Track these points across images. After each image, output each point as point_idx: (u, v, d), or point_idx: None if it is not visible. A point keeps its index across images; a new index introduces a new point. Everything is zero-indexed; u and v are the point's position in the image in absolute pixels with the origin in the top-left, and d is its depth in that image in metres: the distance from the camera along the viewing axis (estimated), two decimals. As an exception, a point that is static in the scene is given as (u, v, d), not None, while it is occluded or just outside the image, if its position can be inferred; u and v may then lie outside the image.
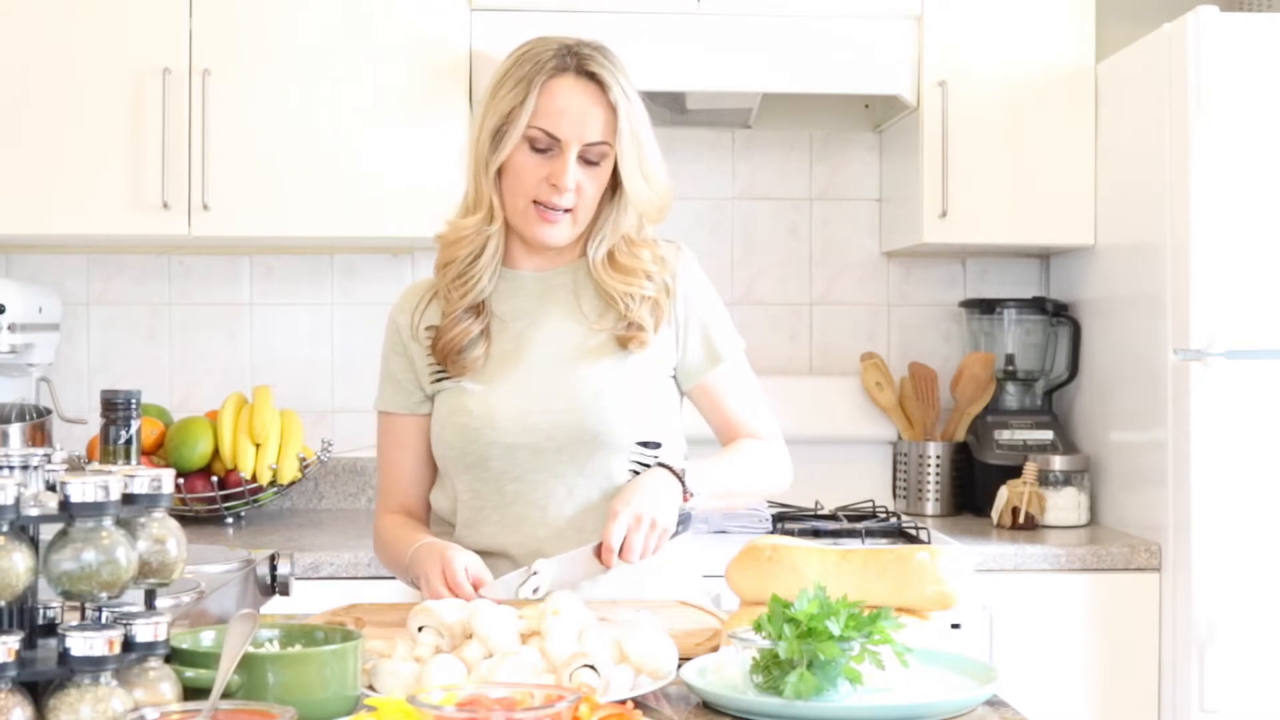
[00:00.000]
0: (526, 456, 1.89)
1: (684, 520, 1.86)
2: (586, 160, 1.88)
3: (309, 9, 3.15)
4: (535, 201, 1.89)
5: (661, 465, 1.88)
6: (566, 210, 1.89)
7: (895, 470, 3.51)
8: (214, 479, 3.17)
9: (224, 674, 1.16)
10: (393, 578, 2.80)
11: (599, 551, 1.78)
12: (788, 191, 3.63)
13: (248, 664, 1.20)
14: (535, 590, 1.75)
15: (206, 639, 1.28)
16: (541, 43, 1.91)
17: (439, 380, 1.95)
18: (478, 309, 1.94)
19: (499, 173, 1.91)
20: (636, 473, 1.91)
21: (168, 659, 1.21)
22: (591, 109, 1.87)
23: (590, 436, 1.88)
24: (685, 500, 1.85)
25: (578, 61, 1.88)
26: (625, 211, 1.94)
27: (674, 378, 2.00)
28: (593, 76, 1.87)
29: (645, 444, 1.93)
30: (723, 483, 1.94)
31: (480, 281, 1.93)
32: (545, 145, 1.87)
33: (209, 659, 1.21)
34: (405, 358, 1.99)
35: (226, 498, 3.18)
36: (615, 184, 1.93)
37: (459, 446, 1.91)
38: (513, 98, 1.87)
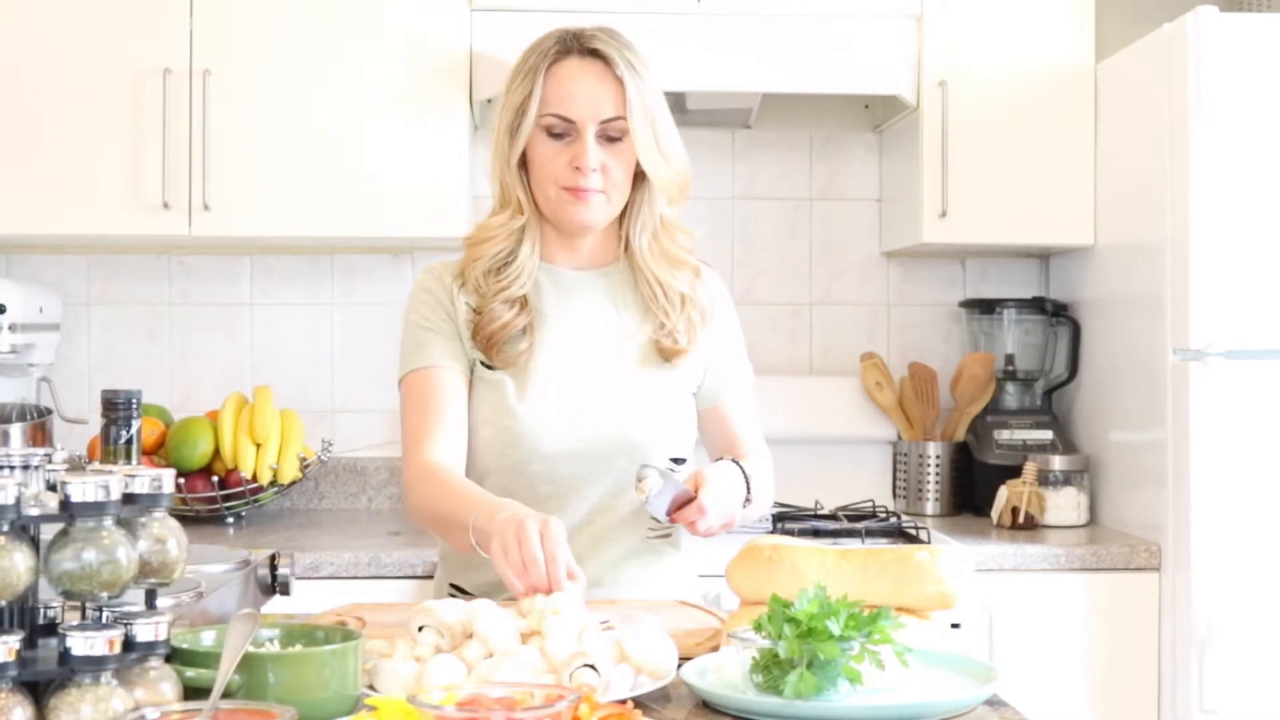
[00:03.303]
0: (566, 463, 1.89)
1: None
2: (607, 138, 1.87)
3: (309, 9, 3.15)
4: (564, 187, 1.88)
5: (735, 463, 1.87)
6: (600, 191, 1.87)
7: (895, 470, 3.51)
8: (214, 479, 3.17)
9: (224, 674, 1.16)
10: (392, 577, 2.81)
11: (687, 499, 1.75)
12: (788, 191, 3.63)
13: (248, 664, 1.20)
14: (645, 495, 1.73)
15: (207, 639, 1.28)
16: (546, 35, 1.91)
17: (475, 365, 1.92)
18: (520, 302, 1.91)
19: (524, 166, 1.90)
20: None
21: (168, 659, 1.21)
22: (600, 86, 1.85)
23: (630, 448, 1.88)
24: (744, 506, 1.85)
25: (580, 42, 1.87)
26: (656, 192, 1.92)
27: (694, 394, 2.00)
28: (596, 53, 1.86)
29: (675, 460, 1.93)
30: (758, 497, 1.93)
31: (520, 278, 1.91)
32: (562, 130, 1.86)
33: (209, 659, 1.21)
34: (452, 322, 1.92)
35: (227, 498, 3.18)
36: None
37: (498, 447, 1.89)
38: (522, 89, 1.88)
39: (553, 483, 1.89)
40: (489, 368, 1.91)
